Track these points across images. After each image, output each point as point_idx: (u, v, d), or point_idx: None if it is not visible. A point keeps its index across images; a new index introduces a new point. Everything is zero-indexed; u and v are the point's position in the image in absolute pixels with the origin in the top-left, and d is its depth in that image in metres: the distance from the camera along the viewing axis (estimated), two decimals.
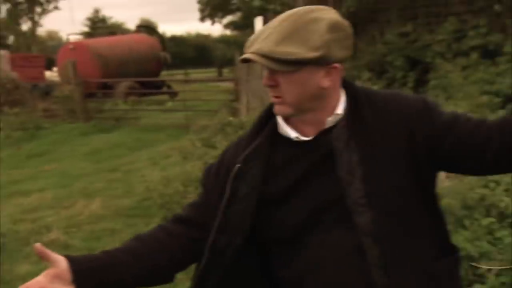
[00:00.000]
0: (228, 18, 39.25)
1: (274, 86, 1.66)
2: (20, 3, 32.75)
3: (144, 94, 19.23)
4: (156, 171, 8.46)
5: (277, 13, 12.81)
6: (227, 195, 1.75)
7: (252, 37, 1.70)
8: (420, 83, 9.15)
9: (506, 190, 4.52)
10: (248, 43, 1.68)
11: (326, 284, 1.75)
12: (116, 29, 41.20)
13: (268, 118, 1.84)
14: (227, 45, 36.50)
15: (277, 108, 1.71)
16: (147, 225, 6.42)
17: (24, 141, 14.06)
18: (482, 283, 3.82)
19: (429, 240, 1.79)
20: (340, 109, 1.73)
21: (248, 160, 1.77)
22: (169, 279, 1.92)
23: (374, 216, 1.63)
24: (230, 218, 1.78)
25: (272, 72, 1.63)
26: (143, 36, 25.07)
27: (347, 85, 1.79)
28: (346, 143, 1.68)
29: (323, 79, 1.63)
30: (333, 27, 1.60)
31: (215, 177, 1.91)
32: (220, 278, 1.83)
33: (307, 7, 1.71)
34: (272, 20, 1.72)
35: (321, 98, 1.70)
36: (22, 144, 13.75)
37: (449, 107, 7.40)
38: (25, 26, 34.36)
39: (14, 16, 33.40)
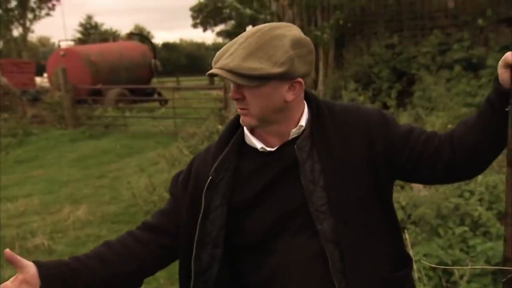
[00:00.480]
0: (221, 27, 39.23)
1: (240, 99, 1.71)
2: (11, 9, 32.51)
3: (134, 101, 19.17)
4: (143, 177, 8.48)
5: (267, 22, 12.89)
6: (202, 208, 1.80)
7: (219, 52, 1.73)
8: (405, 95, 9.19)
9: (480, 200, 4.63)
10: (215, 58, 1.73)
11: (295, 282, 1.80)
12: (108, 36, 41.19)
13: (235, 128, 1.89)
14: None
15: (243, 119, 1.76)
16: (133, 225, 6.50)
17: (13, 146, 14.01)
18: None
19: (387, 247, 1.88)
20: (303, 121, 1.79)
21: (218, 171, 1.82)
22: (138, 284, 1.95)
23: (335, 223, 1.73)
24: (207, 229, 1.83)
25: (238, 86, 1.68)
26: (135, 44, 25.06)
27: (310, 98, 1.86)
28: (309, 153, 1.77)
29: (287, 93, 1.70)
30: (296, 44, 1.67)
31: (183, 185, 1.96)
32: None
33: (272, 24, 1.75)
34: (238, 36, 1.78)
35: (285, 111, 1.76)
36: (10, 150, 13.69)
37: (431, 118, 7.52)
38: (16, 32, 34.12)
39: (4, 22, 33.14)
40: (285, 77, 1.68)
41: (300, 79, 1.72)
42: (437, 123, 7.23)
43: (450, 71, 8.81)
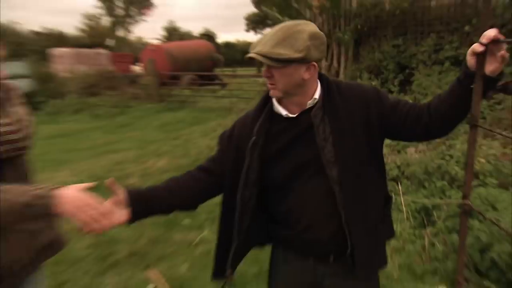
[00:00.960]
0: (266, 30, 38.81)
1: (269, 77, 1.75)
2: (118, 16, 33.09)
3: (202, 84, 19.41)
4: (206, 140, 8.58)
5: None
6: (248, 160, 1.85)
7: (255, 41, 1.81)
8: (406, 83, 9.13)
9: (457, 162, 4.61)
10: (252, 46, 1.78)
11: (305, 216, 1.88)
12: (185, 36, 41.36)
13: (267, 100, 1.89)
14: None
15: (271, 92, 1.80)
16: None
17: (116, 115, 14.31)
18: (434, 226, 3.89)
19: (377, 189, 1.93)
20: (317, 94, 1.82)
21: (258, 133, 1.84)
22: (193, 208, 2.06)
23: (340, 170, 1.77)
24: (249, 175, 1.86)
25: (269, 67, 1.73)
26: (204, 42, 25.26)
27: (322, 78, 1.87)
28: (321, 119, 1.80)
29: (304, 73, 1.73)
30: (312, 36, 1.70)
31: (228, 140, 1.98)
32: (250, 218, 1.93)
33: (295, 21, 1.80)
34: (269, 30, 1.84)
35: (303, 86, 1.78)
36: (114, 117, 14.03)
37: (425, 102, 7.40)
38: (121, 33, 34.62)
39: (113, 26, 33.85)
40: (303, 61, 1.71)
41: (314, 63, 1.76)
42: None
43: (441, 66, 8.77)
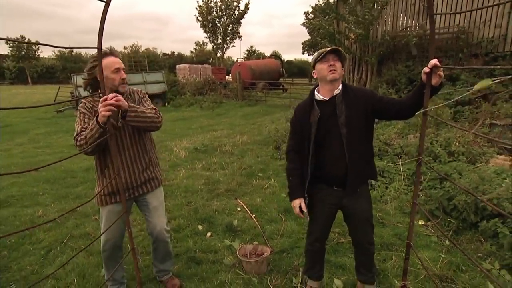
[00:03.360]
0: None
1: (333, 65, 1.92)
2: (217, 43, 33.39)
3: (270, 89, 19.39)
4: (273, 125, 8.77)
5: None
6: (314, 132, 2.00)
7: (322, 50, 2.00)
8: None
9: (440, 145, 4.42)
10: (321, 51, 1.98)
11: (328, 161, 2.04)
12: (260, 56, 41.22)
13: (312, 93, 2.06)
14: None
15: (332, 76, 1.92)
16: (266, 149, 6.84)
17: (215, 108, 14.53)
18: (420, 184, 3.85)
19: (366, 146, 2.06)
20: (340, 88, 1.99)
21: (315, 114, 2.00)
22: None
23: (347, 129, 1.94)
24: (311, 134, 2.00)
25: (337, 60, 1.95)
26: (273, 60, 24.98)
27: (343, 81, 2.05)
28: (341, 101, 1.97)
29: (343, 70, 1.98)
30: (344, 56, 1.99)
31: (295, 121, 2.14)
32: (314, 159, 2.05)
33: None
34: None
35: (340, 78, 1.98)
36: (214, 109, 14.32)
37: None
38: (219, 54, 35.11)
39: (214, 49, 34.30)
40: (342, 63, 1.98)
41: (343, 68, 1.99)
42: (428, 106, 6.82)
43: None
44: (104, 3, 1.41)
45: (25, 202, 4.36)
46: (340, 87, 1.99)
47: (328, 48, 1.93)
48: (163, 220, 2.33)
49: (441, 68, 1.61)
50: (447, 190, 3.17)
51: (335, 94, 1.97)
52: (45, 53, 53.70)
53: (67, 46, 1.51)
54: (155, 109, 2.18)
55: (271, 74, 21.72)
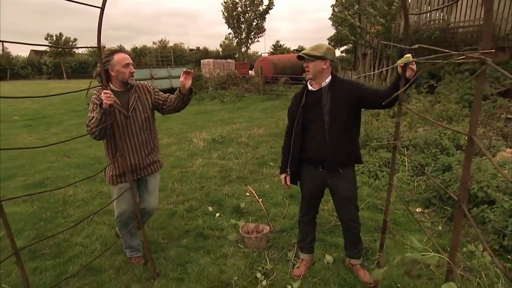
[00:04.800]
0: (344, 47, 36.65)
1: (307, 66, 2.14)
2: (242, 38, 33.44)
3: (292, 84, 19.36)
4: None
5: (363, 46, 11.86)
6: (299, 112, 2.21)
7: (304, 50, 2.19)
8: (433, 87, 8.29)
9: (448, 138, 4.40)
10: (302, 51, 2.18)
11: (313, 145, 2.23)
12: (284, 51, 41.05)
13: (306, 85, 2.27)
14: (340, 61, 34.37)
15: (307, 76, 2.18)
16: (280, 141, 6.76)
17: (236, 101, 14.66)
18: (424, 176, 3.83)
19: (350, 133, 2.21)
20: (328, 80, 2.18)
21: (305, 100, 2.21)
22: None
23: (330, 117, 2.13)
24: (299, 119, 2.22)
25: (307, 61, 2.13)
26: (296, 55, 24.88)
27: (333, 74, 2.22)
28: (327, 92, 2.16)
29: (323, 66, 2.13)
30: (328, 48, 2.14)
31: (290, 106, 2.37)
32: (299, 142, 2.28)
33: (321, 43, 2.19)
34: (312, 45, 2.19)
35: (322, 73, 2.16)
36: (235, 103, 14.37)
37: (445, 97, 7.05)
38: (243, 49, 35.26)
39: (239, 45, 34.40)
40: (322, 58, 2.10)
41: (328, 61, 2.12)
42: (451, 98, 6.74)
43: (462, 75, 7.92)
44: (99, 9, 1.70)
45: (58, 184, 4.86)
46: (328, 79, 2.19)
47: (300, 51, 2.20)
48: (156, 200, 2.71)
49: (414, 62, 1.77)
50: (444, 179, 3.27)
51: (322, 86, 2.19)
52: (79, 49, 56.19)
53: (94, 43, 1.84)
54: (168, 95, 2.61)
55: (294, 69, 21.57)
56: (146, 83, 2.63)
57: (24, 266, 1.52)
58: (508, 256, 2.48)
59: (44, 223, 3.57)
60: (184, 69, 2.42)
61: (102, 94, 2.04)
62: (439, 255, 1.26)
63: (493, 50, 1.18)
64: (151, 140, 2.56)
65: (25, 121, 11.19)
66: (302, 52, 2.15)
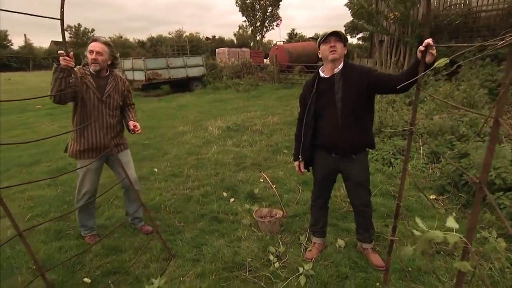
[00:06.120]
0: (360, 34, 35.59)
1: (334, 46, 2.12)
2: (257, 26, 33.09)
3: (307, 72, 19.15)
4: None
5: (379, 33, 11.65)
6: (312, 100, 2.23)
7: (327, 31, 2.16)
8: (452, 74, 8.04)
9: (465, 125, 4.32)
10: (325, 33, 2.15)
11: (326, 131, 2.24)
12: (300, 39, 40.40)
13: (317, 73, 2.28)
14: (358, 48, 33.42)
15: (333, 56, 2.12)
16: (295, 129, 6.78)
17: (251, 90, 14.64)
18: (438, 163, 3.73)
19: (366, 119, 2.22)
20: (340, 67, 2.17)
21: (316, 87, 2.23)
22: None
23: (342, 104, 2.13)
24: (311, 107, 2.24)
25: (338, 41, 2.13)
26: (312, 43, 24.40)
27: (345, 60, 2.21)
28: (339, 79, 2.16)
29: (345, 50, 2.15)
30: (346, 35, 2.12)
31: (302, 93, 2.39)
32: (311, 129, 2.30)
33: (338, 29, 2.15)
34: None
35: (342, 57, 2.17)
36: (250, 91, 14.33)
37: (466, 82, 6.88)
38: (258, 37, 34.87)
39: (253, 33, 34.00)
40: (345, 44, 2.14)
41: (346, 48, 2.15)
42: (475, 83, 6.52)
43: (483, 61, 7.66)
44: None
45: None
46: (341, 66, 2.18)
47: (330, 31, 2.13)
48: (132, 171, 2.84)
49: (434, 47, 1.70)
50: (461, 166, 3.22)
51: (335, 72, 2.18)
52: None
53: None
54: (133, 104, 2.93)
55: (309, 57, 21.23)
56: (126, 79, 2.89)
57: (29, 245, 1.64)
58: None
59: (67, 206, 3.73)
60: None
61: (61, 58, 2.21)
62: (459, 236, 1.26)
63: None
64: (118, 124, 2.78)
65: (47, 110, 11.54)
66: (335, 30, 2.13)
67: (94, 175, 2.71)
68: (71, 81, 2.36)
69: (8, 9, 1.54)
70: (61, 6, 1.86)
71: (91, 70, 2.59)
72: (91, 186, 2.73)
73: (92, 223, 2.95)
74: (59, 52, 2.22)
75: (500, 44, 1.30)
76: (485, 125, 4.16)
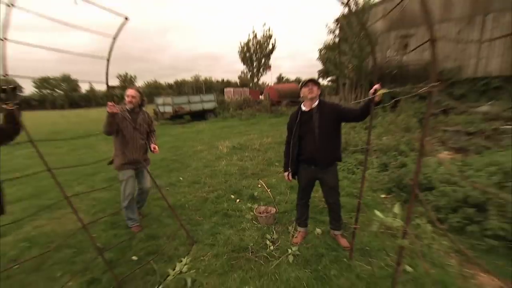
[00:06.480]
0: (330, 78, 36.04)
1: (312, 89, 2.12)
2: (254, 72, 33.04)
3: (292, 105, 19.07)
4: None
5: (344, 77, 11.82)
6: (296, 126, 2.20)
7: (305, 79, 2.19)
8: (394, 107, 8.11)
9: (404, 144, 4.39)
10: (304, 80, 2.18)
11: (307, 149, 2.21)
12: (285, 82, 40.95)
13: (299, 107, 2.27)
14: (327, 87, 33.93)
15: (311, 96, 2.11)
16: (283, 147, 6.33)
17: (250, 119, 14.51)
18: (387, 171, 3.81)
19: (334, 140, 2.21)
20: (316, 103, 2.18)
21: (299, 118, 2.22)
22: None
23: (320, 131, 2.13)
24: (296, 132, 2.22)
25: (315, 85, 2.14)
26: (294, 84, 24.44)
27: (320, 98, 2.22)
28: (316, 112, 2.17)
29: (318, 91, 2.14)
30: (319, 81, 2.13)
31: (288, 122, 2.37)
32: (296, 148, 2.27)
33: (314, 77, 2.18)
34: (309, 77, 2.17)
35: (317, 96, 2.17)
36: (249, 120, 14.12)
37: (403, 114, 6.93)
38: (255, 79, 35.02)
39: (251, 76, 33.93)
40: (320, 87, 2.12)
41: (320, 89, 2.14)
42: (410, 114, 6.57)
43: (413, 98, 7.64)
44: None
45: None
46: (317, 102, 2.23)
47: (309, 78, 2.22)
48: (149, 183, 3.01)
49: (380, 90, 1.83)
50: (401, 173, 3.31)
51: (313, 107, 2.23)
52: (139, 83, 58.21)
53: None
54: (154, 130, 3.01)
55: (292, 94, 21.31)
56: (151, 115, 3.04)
57: (91, 235, 1.71)
58: (443, 226, 2.51)
59: (119, 205, 3.73)
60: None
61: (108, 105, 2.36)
62: (400, 221, 1.38)
63: (438, 83, 1.28)
64: (146, 145, 2.91)
65: (104, 136, 11.46)
66: (312, 78, 2.18)
67: (132, 181, 2.80)
68: (116, 119, 2.57)
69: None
70: (106, 71, 1.95)
71: (127, 108, 2.77)
72: (131, 190, 2.81)
73: (136, 216, 2.98)
74: (108, 103, 2.38)
75: (422, 90, 1.46)
76: (417, 144, 4.30)
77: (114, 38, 1.84)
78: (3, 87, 1.51)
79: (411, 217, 1.50)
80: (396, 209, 1.47)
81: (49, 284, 2.12)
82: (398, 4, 1.24)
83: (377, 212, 1.51)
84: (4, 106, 1.48)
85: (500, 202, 2.18)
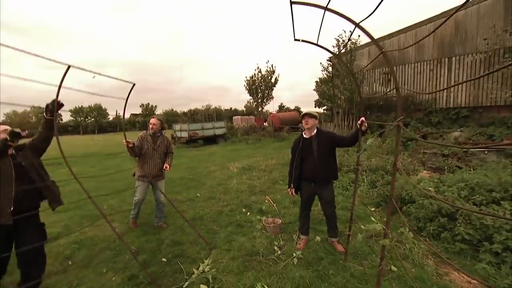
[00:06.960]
0: (325, 107, 36.41)
1: (307, 121, 2.26)
2: (258, 101, 33.56)
3: (292, 131, 18.95)
4: None
5: (337, 107, 12.15)
6: (299, 150, 2.29)
7: (304, 112, 2.30)
8: (381, 133, 8.28)
9: (391, 164, 4.52)
10: (303, 114, 2.29)
11: (308, 169, 2.28)
12: (286, 110, 41.49)
13: (302, 133, 2.42)
14: (323, 116, 34.29)
15: (307, 126, 2.24)
16: (286, 168, 6.51)
17: (256, 143, 14.32)
18: (376, 188, 3.64)
19: (331, 161, 2.31)
20: (315, 131, 2.32)
21: (301, 144, 2.33)
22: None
23: (318, 154, 2.25)
24: (298, 155, 2.30)
25: (309, 117, 2.25)
26: (294, 112, 24.47)
27: (317, 127, 2.37)
28: (315, 139, 2.31)
29: (316, 122, 2.26)
30: (317, 113, 2.26)
31: (292, 146, 2.48)
32: (299, 169, 2.31)
33: (313, 110, 2.49)
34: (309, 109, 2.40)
35: (314, 127, 2.31)
36: (255, 144, 13.91)
37: (389, 139, 7.11)
38: (259, 108, 35.56)
39: (256, 105, 34.32)
40: (315, 118, 2.23)
41: (317, 120, 2.27)
42: (392, 139, 6.72)
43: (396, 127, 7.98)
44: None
45: None
46: (315, 131, 2.40)
47: (305, 111, 2.43)
48: (162, 195, 3.21)
49: (365, 122, 2.01)
50: (388, 189, 3.49)
51: (312, 135, 2.40)
52: (158, 111, 60.32)
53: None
54: (172, 152, 3.25)
55: (293, 121, 21.26)
56: (169, 138, 3.33)
57: (125, 241, 1.91)
58: (422, 233, 2.65)
59: (147, 216, 3.90)
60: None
61: (125, 140, 2.74)
62: (381, 225, 1.63)
63: (402, 117, 1.53)
64: (162, 163, 3.18)
65: (130, 157, 11.62)
66: (308, 112, 2.32)
67: (142, 189, 3.10)
68: (137, 146, 2.95)
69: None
70: (125, 105, 2.25)
71: (150, 133, 3.14)
72: (139, 196, 3.14)
73: (137, 214, 3.31)
74: (123, 141, 2.77)
75: (394, 123, 1.76)
76: (401, 164, 4.49)
77: (126, 100, 2.22)
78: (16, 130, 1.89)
79: (390, 220, 1.75)
80: (379, 225, 1.71)
81: (97, 278, 2.27)
82: (378, 55, 1.52)
83: (363, 226, 1.76)
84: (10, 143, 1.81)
85: (466, 212, 2.37)
